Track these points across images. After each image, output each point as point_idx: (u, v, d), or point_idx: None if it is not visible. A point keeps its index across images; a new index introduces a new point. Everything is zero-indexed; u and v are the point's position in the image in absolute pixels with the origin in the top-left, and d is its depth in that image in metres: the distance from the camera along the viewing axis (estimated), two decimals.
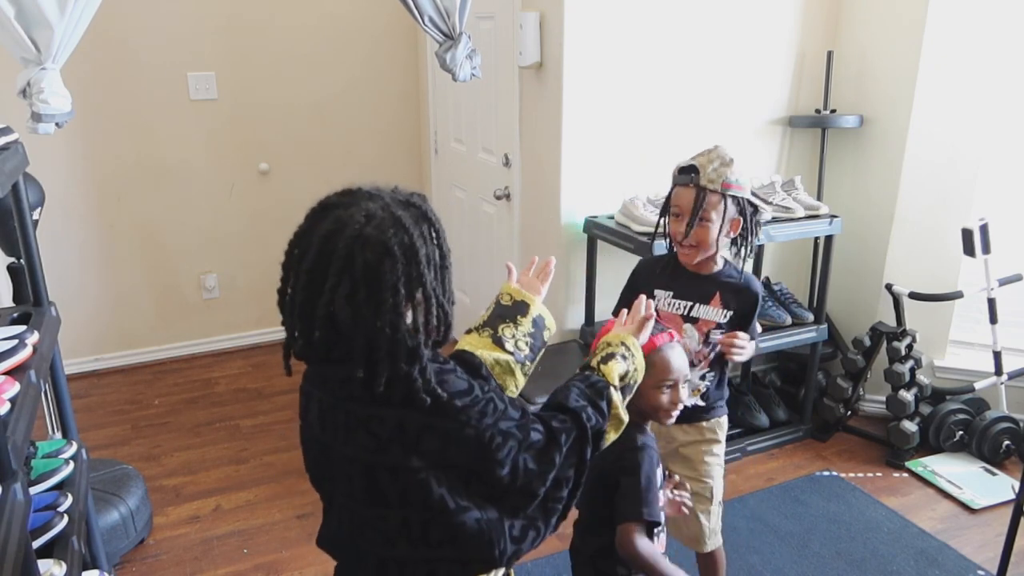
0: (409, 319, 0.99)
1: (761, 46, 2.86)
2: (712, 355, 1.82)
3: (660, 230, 1.87)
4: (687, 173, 1.74)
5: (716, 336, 1.80)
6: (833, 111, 2.99)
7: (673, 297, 1.84)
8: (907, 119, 2.82)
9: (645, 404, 1.44)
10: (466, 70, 2.37)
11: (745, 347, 1.76)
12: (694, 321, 1.82)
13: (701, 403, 1.85)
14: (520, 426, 1.05)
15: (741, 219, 1.76)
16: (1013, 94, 2.75)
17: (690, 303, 1.82)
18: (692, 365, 1.82)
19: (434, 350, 1.06)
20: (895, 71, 2.84)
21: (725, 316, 1.80)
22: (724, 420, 1.90)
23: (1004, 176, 2.86)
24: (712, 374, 1.84)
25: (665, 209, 1.82)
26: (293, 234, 1.02)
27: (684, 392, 1.47)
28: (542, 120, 2.74)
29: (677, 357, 1.46)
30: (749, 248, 1.82)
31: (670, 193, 1.80)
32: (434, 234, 1.02)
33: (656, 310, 1.80)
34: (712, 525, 1.90)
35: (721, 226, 1.74)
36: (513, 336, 1.26)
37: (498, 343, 1.24)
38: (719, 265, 1.83)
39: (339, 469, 1.09)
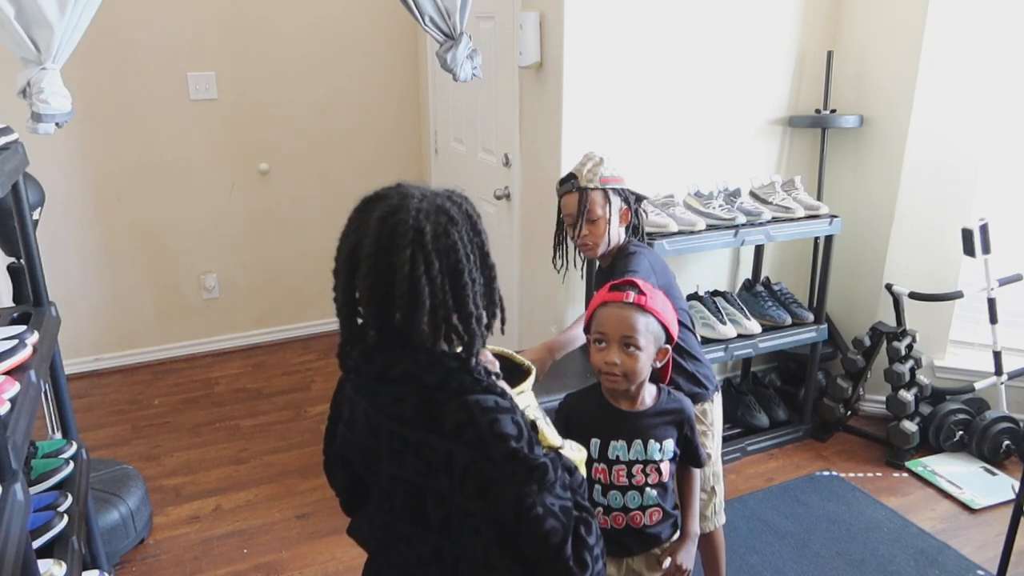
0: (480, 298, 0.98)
1: (761, 46, 2.86)
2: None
3: (558, 244, 2.03)
4: (567, 181, 1.89)
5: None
6: (833, 111, 2.99)
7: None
8: (907, 119, 2.82)
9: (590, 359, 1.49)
10: (467, 70, 2.37)
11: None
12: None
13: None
14: (564, 509, 0.98)
15: (627, 208, 1.91)
16: (1013, 94, 2.75)
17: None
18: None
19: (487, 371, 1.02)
20: (895, 71, 2.84)
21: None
22: (708, 408, 1.90)
23: (1004, 176, 2.86)
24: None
25: (559, 224, 1.98)
26: (341, 235, 1.00)
27: (615, 355, 1.42)
28: (542, 120, 2.74)
29: (611, 315, 1.44)
30: (641, 234, 1.97)
31: (559, 206, 1.94)
32: (479, 215, 1.03)
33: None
34: (700, 511, 1.89)
35: (610, 219, 1.86)
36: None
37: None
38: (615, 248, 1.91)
39: (380, 483, 1.07)
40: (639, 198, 1.96)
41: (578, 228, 1.86)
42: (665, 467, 1.51)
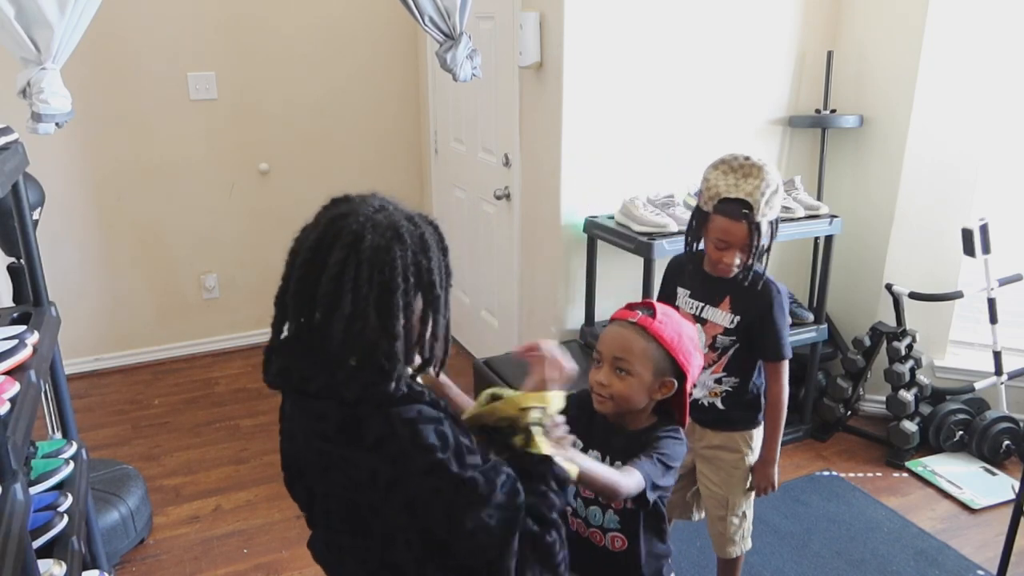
0: (404, 325, 0.94)
1: (761, 46, 2.86)
2: (725, 359, 1.80)
3: (689, 247, 1.82)
4: (736, 206, 1.66)
5: (724, 341, 1.78)
6: (833, 111, 2.99)
7: (689, 296, 1.84)
8: (907, 119, 2.82)
9: None
10: (467, 70, 2.37)
11: (768, 488, 1.83)
12: (703, 323, 1.81)
13: (720, 407, 1.83)
14: (503, 522, 0.96)
15: (771, 228, 1.74)
16: (1013, 94, 2.75)
17: (701, 304, 1.81)
18: (703, 368, 1.78)
19: (416, 377, 1.00)
20: (895, 71, 2.84)
21: (732, 321, 1.77)
22: (756, 433, 1.86)
23: (1004, 176, 2.86)
24: (732, 379, 1.81)
25: (698, 233, 1.77)
26: (302, 228, 1.00)
27: (604, 376, 1.33)
28: (542, 120, 2.74)
29: (610, 334, 1.35)
30: (767, 252, 1.78)
31: (707, 216, 1.72)
32: (444, 244, 1.00)
33: (677, 306, 1.82)
34: (729, 534, 1.90)
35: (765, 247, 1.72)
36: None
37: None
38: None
39: (316, 496, 1.05)
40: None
41: (740, 259, 1.70)
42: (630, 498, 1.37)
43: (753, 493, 1.91)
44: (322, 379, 0.95)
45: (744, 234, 1.67)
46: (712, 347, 1.81)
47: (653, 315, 1.32)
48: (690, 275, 1.85)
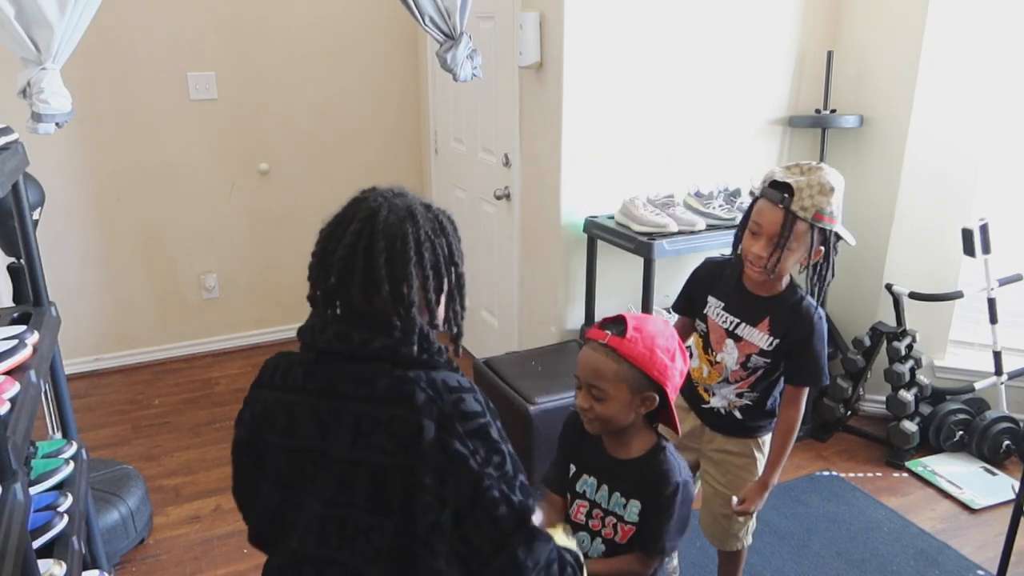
0: (430, 293, 1.02)
1: (761, 46, 2.86)
2: (753, 378, 1.75)
3: (736, 242, 1.73)
4: (779, 190, 1.59)
5: (758, 362, 1.72)
6: (833, 111, 2.99)
7: (723, 309, 1.74)
8: (907, 119, 2.82)
9: None
10: (467, 70, 2.37)
11: (751, 510, 1.77)
12: (737, 339, 1.73)
13: (739, 417, 1.81)
14: (520, 504, 1.00)
15: (823, 249, 1.63)
16: (1013, 94, 2.75)
17: (737, 320, 1.72)
18: (727, 382, 1.77)
19: (443, 349, 1.05)
20: (895, 71, 2.84)
21: (770, 344, 1.69)
22: (767, 438, 1.84)
23: (1004, 176, 2.86)
24: (754, 394, 1.77)
25: (744, 223, 1.68)
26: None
27: (583, 400, 1.33)
28: (542, 120, 2.74)
29: (583, 357, 1.33)
30: (823, 282, 1.68)
31: (753, 203, 1.66)
32: (458, 234, 1.08)
33: (705, 315, 1.77)
34: (734, 531, 1.89)
35: (804, 257, 1.62)
36: None
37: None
38: (781, 288, 1.69)
39: (332, 477, 1.03)
40: (839, 240, 1.65)
41: (768, 252, 1.60)
42: (624, 530, 1.36)
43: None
44: (381, 339, 1.01)
45: (777, 221, 1.57)
46: (744, 366, 1.73)
47: (624, 332, 1.28)
48: (727, 286, 1.74)
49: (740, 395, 1.78)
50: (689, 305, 1.84)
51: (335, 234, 1.04)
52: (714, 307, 1.76)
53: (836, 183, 1.59)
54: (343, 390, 1.03)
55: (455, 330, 1.09)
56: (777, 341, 1.68)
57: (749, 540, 1.93)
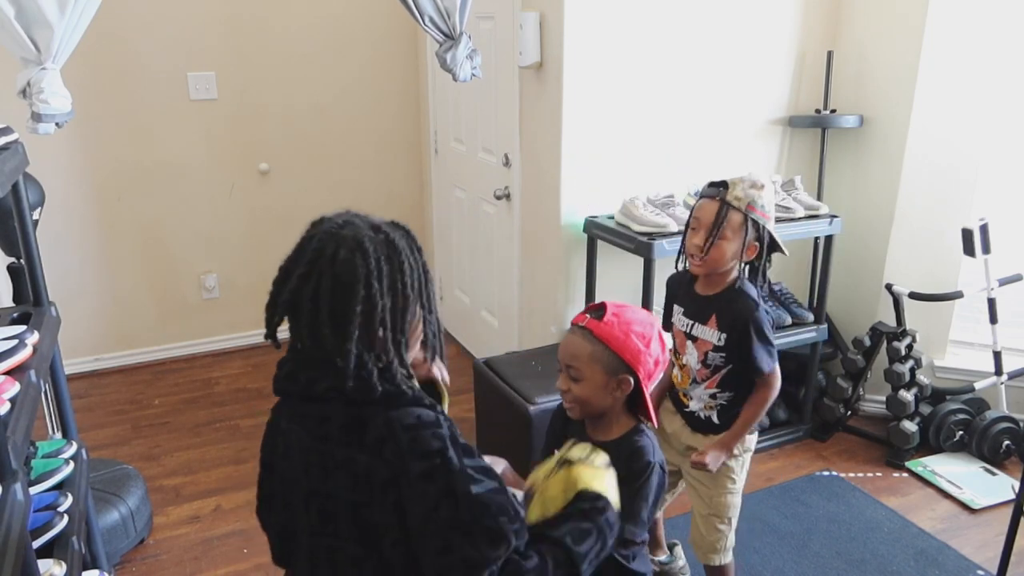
0: (379, 330, 0.98)
1: (761, 46, 2.86)
2: (718, 376, 1.81)
3: (680, 252, 1.86)
4: (715, 186, 1.73)
5: (715, 358, 1.80)
6: (833, 111, 2.99)
7: (682, 314, 1.87)
8: (907, 119, 2.82)
9: None
10: (466, 70, 2.37)
11: (708, 462, 1.75)
12: (694, 340, 1.83)
13: (715, 421, 1.85)
14: (490, 539, 0.95)
15: (758, 246, 1.73)
16: (1013, 94, 2.75)
17: (692, 322, 1.84)
18: (696, 383, 1.85)
19: (403, 377, 1.02)
20: (895, 71, 2.84)
21: (719, 339, 1.78)
22: (749, 439, 1.86)
23: (1004, 176, 2.86)
24: (727, 394, 1.82)
25: (687, 225, 1.81)
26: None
27: (562, 382, 1.38)
28: (542, 120, 2.74)
29: (563, 344, 1.39)
30: (760, 279, 1.80)
31: (695, 205, 1.79)
32: (416, 245, 1.04)
33: (671, 323, 1.87)
34: (711, 539, 1.90)
35: (739, 249, 1.71)
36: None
37: None
38: (724, 285, 1.79)
39: (314, 508, 1.05)
40: (774, 243, 1.76)
41: (704, 242, 1.71)
42: None
43: (738, 499, 1.89)
44: (327, 380, 0.98)
45: (713, 212, 1.69)
46: (704, 364, 1.82)
47: (601, 316, 1.34)
48: (684, 292, 1.88)
49: (713, 396, 1.84)
50: (667, 317, 1.96)
51: (283, 280, 1.03)
52: (676, 314, 1.89)
53: (766, 182, 1.73)
54: (308, 428, 1.03)
55: (434, 347, 1.07)
56: (725, 335, 1.77)
57: (729, 557, 1.93)
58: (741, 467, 1.87)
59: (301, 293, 0.98)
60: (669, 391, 1.97)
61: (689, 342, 1.84)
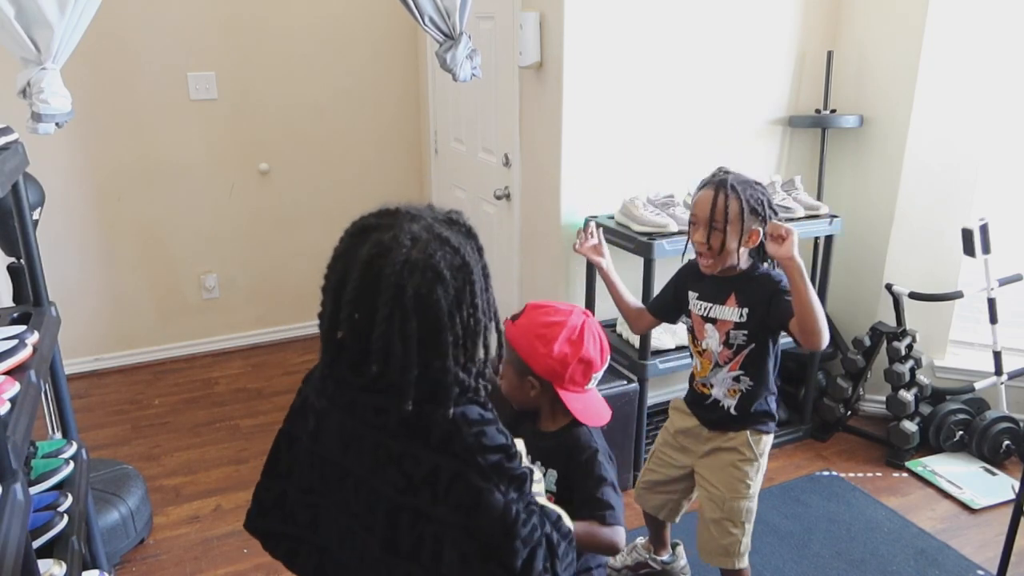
0: (462, 352, 0.97)
1: (761, 46, 2.86)
2: (741, 357, 1.80)
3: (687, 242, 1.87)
4: (711, 177, 1.77)
5: (737, 336, 1.79)
6: (833, 111, 2.99)
7: (697, 299, 1.88)
8: (907, 119, 2.82)
9: None
10: (466, 70, 2.37)
11: (785, 239, 1.59)
12: (714, 322, 1.83)
13: (733, 412, 1.84)
14: (550, 522, 1.01)
15: (760, 231, 1.72)
16: (1013, 94, 2.75)
17: (709, 304, 1.84)
18: (717, 365, 1.84)
19: (482, 387, 1.02)
20: (895, 71, 2.84)
21: (741, 315, 1.78)
22: (764, 440, 1.85)
23: (1004, 176, 2.86)
24: (749, 381, 1.82)
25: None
26: (332, 256, 0.98)
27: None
28: (542, 120, 2.74)
29: None
30: (770, 265, 1.79)
31: (692, 202, 1.82)
32: (479, 252, 0.99)
33: (688, 310, 1.88)
34: (724, 543, 1.88)
35: (739, 236, 1.71)
36: None
37: None
38: (742, 268, 1.79)
39: (361, 500, 1.03)
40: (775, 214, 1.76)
41: (705, 234, 1.73)
42: (549, 498, 1.39)
43: (754, 504, 1.87)
44: (390, 379, 0.95)
45: (708, 203, 1.71)
46: (727, 344, 1.81)
47: (517, 318, 1.42)
48: (696, 278, 1.88)
49: (736, 379, 1.83)
50: (674, 304, 1.94)
51: (360, 315, 0.94)
52: (692, 299, 1.89)
53: (750, 178, 1.77)
54: (362, 415, 1.00)
55: (497, 353, 1.07)
56: (747, 310, 1.77)
57: (745, 562, 1.91)
58: (756, 471, 1.86)
59: (390, 334, 0.92)
60: (689, 386, 1.97)
61: (708, 325, 1.83)
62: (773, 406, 1.86)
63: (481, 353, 1.00)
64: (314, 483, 1.08)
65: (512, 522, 0.95)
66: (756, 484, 1.87)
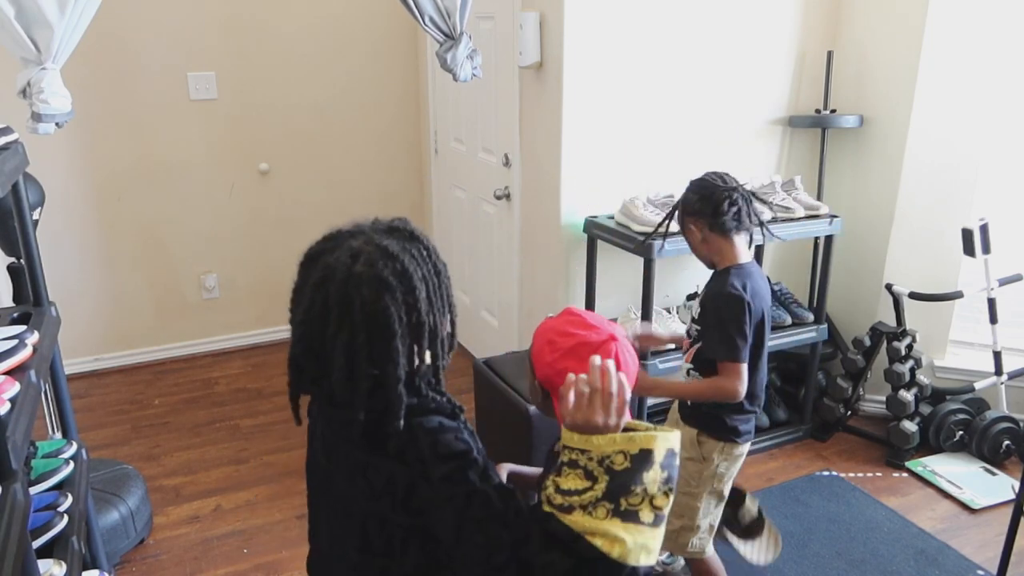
0: (414, 356, 0.98)
1: (761, 46, 2.86)
2: (692, 351, 1.83)
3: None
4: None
5: (691, 328, 1.86)
6: (833, 111, 2.99)
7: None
8: (907, 119, 2.82)
9: None
10: (467, 70, 2.37)
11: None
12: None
13: (688, 404, 1.88)
14: (514, 542, 0.93)
15: (695, 228, 1.81)
16: (1013, 94, 2.75)
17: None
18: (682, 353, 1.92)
19: (440, 394, 1.03)
20: (895, 71, 2.84)
21: (696, 312, 1.85)
22: (714, 445, 1.81)
23: (1004, 176, 2.86)
24: (696, 372, 1.83)
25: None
26: (292, 291, 1.01)
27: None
28: (542, 120, 2.74)
29: None
30: (750, 235, 1.81)
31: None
32: (425, 252, 1.00)
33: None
34: (682, 541, 1.88)
35: (695, 239, 1.82)
36: (646, 498, 0.92)
37: (630, 519, 0.91)
38: (724, 263, 1.82)
39: (340, 505, 1.07)
40: (731, 201, 1.78)
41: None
42: None
43: (698, 503, 1.85)
44: (345, 397, 0.97)
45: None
46: (688, 334, 1.87)
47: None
48: None
49: (688, 372, 1.88)
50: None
51: (312, 335, 0.97)
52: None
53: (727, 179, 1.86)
54: (333, 428, 1.05)
55: (446, 357, 1.05)
56: (699, 309, 1.83)
57: (703, 555, 1.90)
58: (701, 474, 1.82)
59: (335, 344, 0.94)
60: None
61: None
62: (735, 421, 1.80)
63: (439, 352, 1.01)
64: (313, 488, 1.14)
65: (467, 538, 0.94)
66: (701, 486, 1.83)
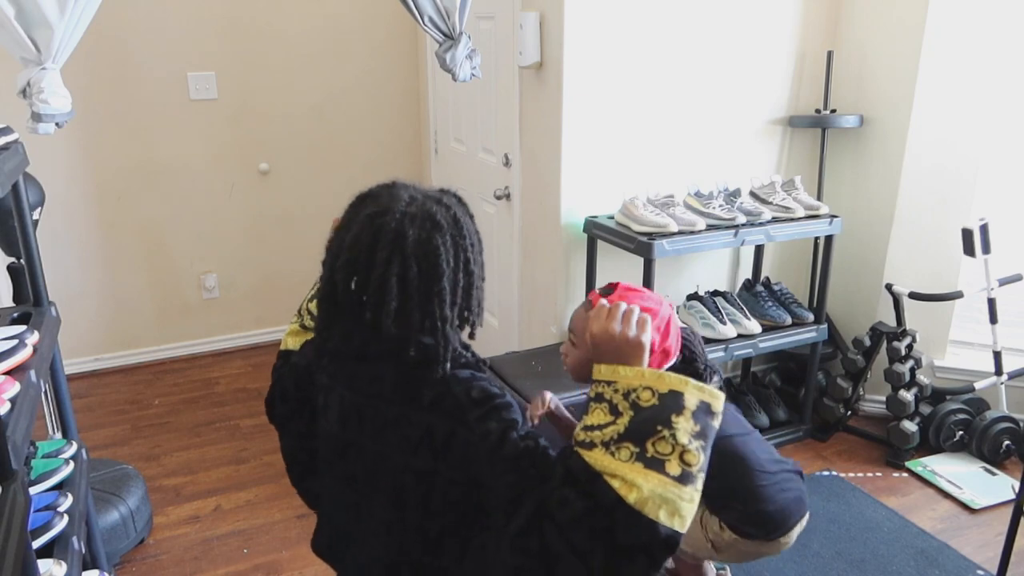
0: (455, 306, 1.01)
1: (761, 46, 2.86)
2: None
3: None
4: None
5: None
6: (833, 111, 2.99)
7: None
8: (907, 119, 2.82)
9: None
10: (466, 70, 2.37)
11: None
12: None
13: None
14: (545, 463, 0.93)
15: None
16: (1013, 94, 2.75)
17: None
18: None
19: (471, 352, 1.06)
20: (895, 71, 2.84)
21: None
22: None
23: (1004, 176, 2.86)
24: None
25: None
26: (333, 232, 1.04)
27: (564, 346, 1.53)
28: (542, 120, 2.74)
29: (574, 312, 1.55)
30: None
31: None
32: (471, 216, 1.06)
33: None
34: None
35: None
36: (676, 448, 0.86)
37: (654, 466, 0.86)
38: None
39: (366, 466, 1.07)
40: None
41: None
42: None
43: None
44: (382, 343, 1.00)
45: None
46: None
47: (609, 294, 1.43)
48: None
49: None
50: None
51: (359, 261, 0.99)
52: None
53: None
54: (357, 387, 1.05)
55: (474, 320, 1.07)
56: None
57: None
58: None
59: (387, 277, 0.96)
60: None
61: None
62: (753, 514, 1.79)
63: (474, 308, 1.05)
64: (328, 463, 1.15)
65: (500, 468, 0.94)
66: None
